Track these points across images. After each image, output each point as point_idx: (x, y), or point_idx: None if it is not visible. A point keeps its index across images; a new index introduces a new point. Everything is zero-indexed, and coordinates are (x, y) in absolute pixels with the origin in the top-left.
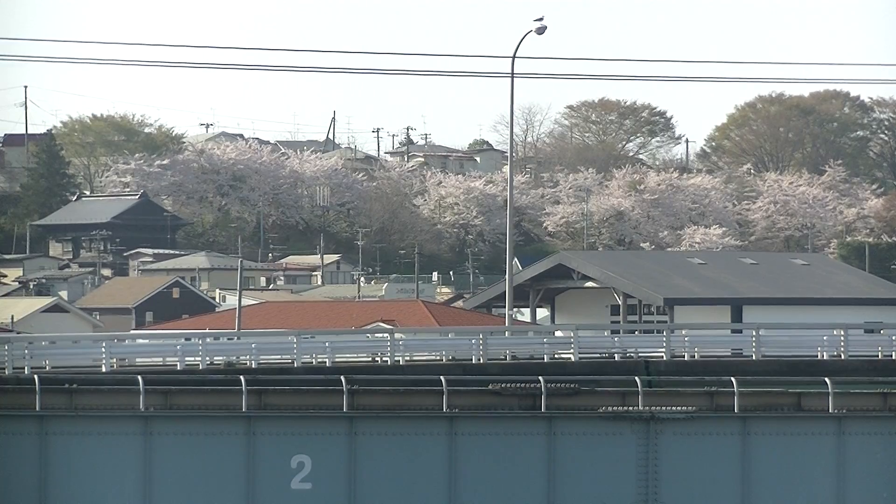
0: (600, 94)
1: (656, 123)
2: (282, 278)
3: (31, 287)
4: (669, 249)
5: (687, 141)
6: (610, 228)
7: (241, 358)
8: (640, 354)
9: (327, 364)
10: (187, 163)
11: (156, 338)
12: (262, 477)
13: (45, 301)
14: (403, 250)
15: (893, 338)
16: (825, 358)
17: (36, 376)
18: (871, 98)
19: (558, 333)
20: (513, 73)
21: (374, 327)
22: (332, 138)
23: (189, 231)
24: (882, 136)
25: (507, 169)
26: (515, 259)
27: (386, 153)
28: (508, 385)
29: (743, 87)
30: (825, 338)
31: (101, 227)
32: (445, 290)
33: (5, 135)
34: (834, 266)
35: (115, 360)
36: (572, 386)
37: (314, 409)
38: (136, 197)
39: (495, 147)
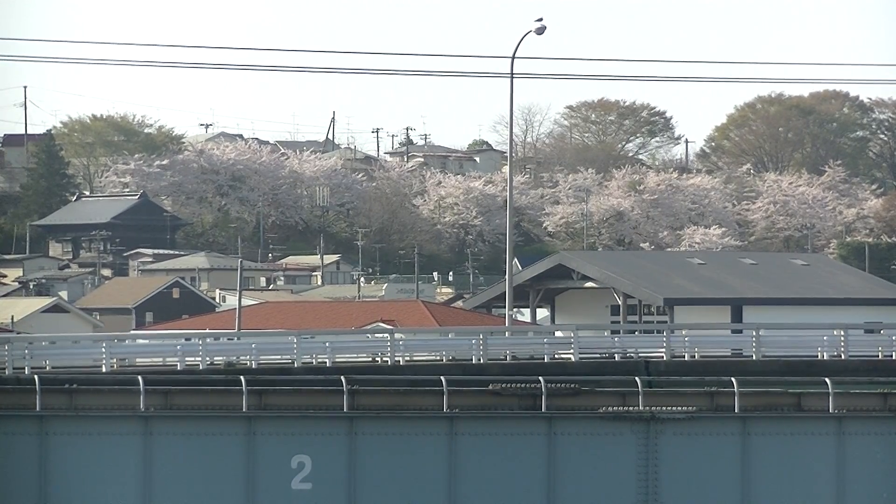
0: (600, 95)
1: (656, 123)
2: (282, 278)
3: (31, 287)
4: (669, 249)
5: (686, 141)
6: (610, 228)
7: (242, 358)
8: (640, 354)
9: (327, 364)
10: (187, 163)
11: (156, 338)
12: (262, 477)
13: (44, 301)
14: (403, 250)
15: (893, 338)
16: (825, 358)
17: (36, 376)
18: (871, 98)
19: (558, 333)
20: (512, 74)
21: (374, 327)
22: (331, 138)
23: (189, 231)
24: (881, 136)
25: (506, 169)
26: (515, 259)
27: (385, 153)
28: (508, 385)
29: (742, 87)
30: (825, 338)
31: (101, 228)
32: (445, 290)
33: (5, 135)
34: (834, 266)
35: (115, 360)
36: (572, 386)
37: (314, 409)
38: (136, 197)
39: (495, 147)
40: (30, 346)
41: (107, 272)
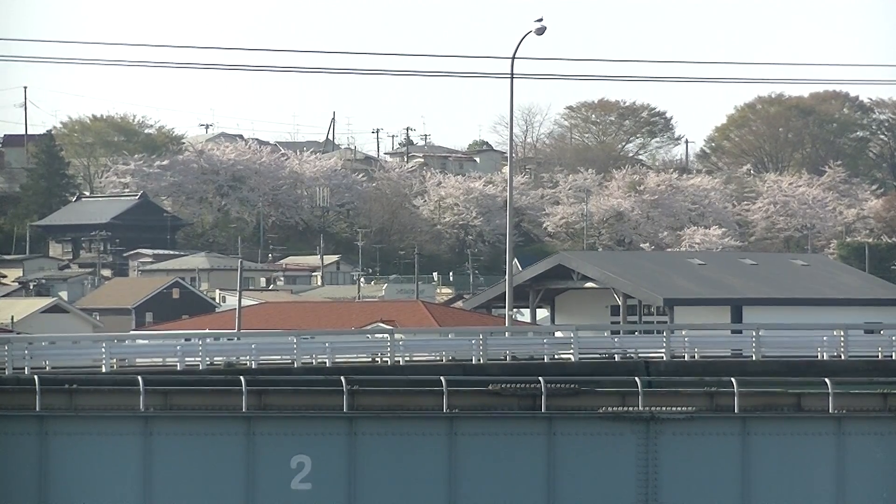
0: (600, 95)
1: (656, 124)
2: (282, 279)
3: (31, 287)
4: (669, 250)
5: (686, 141)
6: (610, 229)
7: (241, 358)
8: (640, 355)
9: (327, 364)
10: (187, 163)
11: (156, 338)
12: (262, 477)
13: (44, 301)
14: (403, 251)
15: (893, 338)
16: (825, 358)
17: (36, 377)
18: (871, 99)
19: (558, 334)
20: (512, 74)
21: (374, 328)
22: (331, 139)
23: (189, 231)
24: (882, 136)
25: (506, 169)
26: (515, 259)
27: (385, 154)
28: (508, 385)
29: (742, 87)
30: (825, 338)
31: (101, 228)
32: (445, 290)
33: (5, 135)
34: (834, 266)
35: (115, 360)
36: (572, 386)
37: (314, 409)
38: (136, 197)
39: (495, 148)
40: (30, 346)
41: (107, 272)
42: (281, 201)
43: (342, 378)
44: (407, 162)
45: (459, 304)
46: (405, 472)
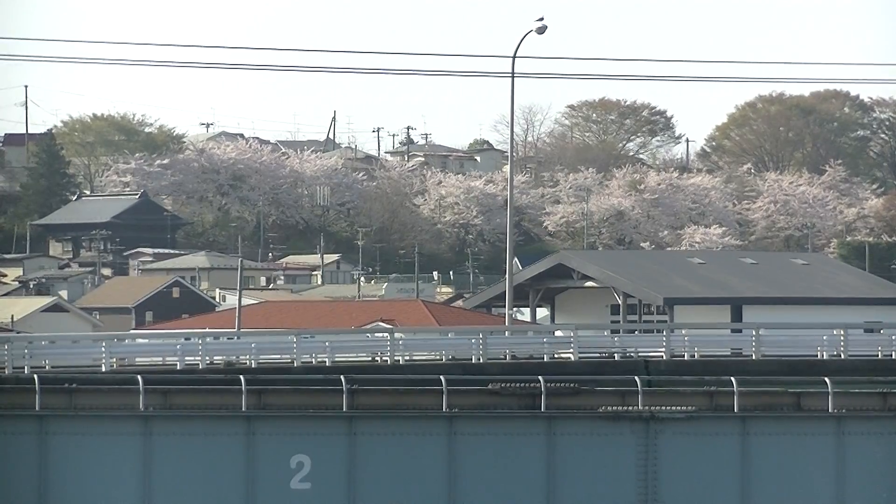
0: (600, 94)
1: (656, 123)
2: (282, 278)
3: (31, 287)
4: (669, 249)
5: (687, 140)
6: (610, 228)
7: (241, 357)
8: (639, 354)
9: (327, 364)
10: (187, 162)
11: (155, 337)
12: (262, 477)
13: (44, 301)
14: (403, 250)
15: (893, 338)
16: (825, 358)
17: (36, 376)
18: (871, 98)
19: (558, 333)
20: (513, 73)
21: (373, 327)
22: (332, 138)
23: (189, 231)
24: (882, 135)
25: (507, 168)
26: (515, 259)
27: (386, 153)
28: (508, 385)
29: (743, 86)
30: (825, 338)
31: (101, 227)
32: (445, 289)
33: (6, 134)
34: (834, 266)
35: (114, 359)
36: (572, 386)
37: (314, 408)
38: (137, 196)
39: (495, 147)
40: (29, 345)
41: (107, 272)
42: (281, 200)
43: (342, 377)
44: (407, 161)
45: (459, 303)
46: (405, 471)
